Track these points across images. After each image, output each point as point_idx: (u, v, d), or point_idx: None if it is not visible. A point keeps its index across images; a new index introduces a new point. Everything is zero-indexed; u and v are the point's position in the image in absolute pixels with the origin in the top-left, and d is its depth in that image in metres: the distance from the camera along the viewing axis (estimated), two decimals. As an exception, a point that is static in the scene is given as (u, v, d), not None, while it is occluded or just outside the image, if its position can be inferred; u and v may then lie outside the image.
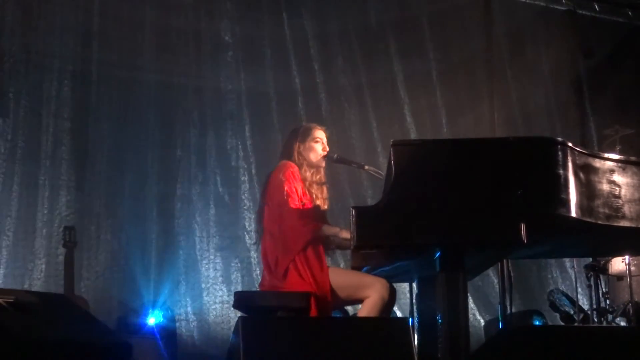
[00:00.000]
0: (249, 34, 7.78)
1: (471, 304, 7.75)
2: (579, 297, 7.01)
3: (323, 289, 4.31)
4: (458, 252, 3.52)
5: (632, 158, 3.96)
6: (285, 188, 4.45)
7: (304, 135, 4.71)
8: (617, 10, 9.15)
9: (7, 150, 6.66)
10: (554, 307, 7.31)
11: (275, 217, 4.48)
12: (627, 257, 6.41)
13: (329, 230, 4.50)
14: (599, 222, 3.68)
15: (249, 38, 7.78)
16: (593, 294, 6.78)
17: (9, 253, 6.46)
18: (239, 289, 7.01)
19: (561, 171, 3.54)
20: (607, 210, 3.72)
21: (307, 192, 4.58)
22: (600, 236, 4.02)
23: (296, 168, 4.60)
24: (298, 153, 4.66)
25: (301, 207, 4.45)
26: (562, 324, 7.13)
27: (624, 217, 3.77)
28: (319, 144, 4.70)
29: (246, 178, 7.41)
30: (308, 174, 4.64)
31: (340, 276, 4.42)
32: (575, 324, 6.80)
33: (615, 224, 3.75)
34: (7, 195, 6.57)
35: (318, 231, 4.42)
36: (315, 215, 4.52)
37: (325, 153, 4.71)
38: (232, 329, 4.10)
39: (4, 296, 3.43)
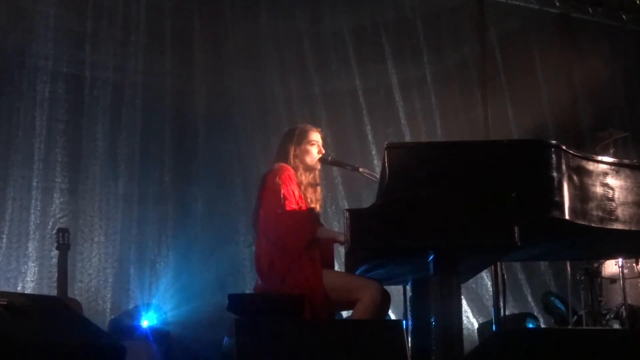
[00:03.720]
0: (243, 37, 7.78)
1: (465, 306, 7.75)
2: (573, 299, 7.02)
3: (317, 292, 4.30)
4: (452, 254, 3.51)
5: (626, 161, 3.97)
6: (282, 191, 4.42)
7: (300, 137, 4.67)
8: (611, 14, 9.18)
9: (0, 153, 6.65)
10: (548, 309, 7.32)
11: (271, 221, 4.45)
12: (620, 259, 6.41)
13: (326, 233, 4.49)
14: (593, 224, 3.68)
15: (243, 41, 7.78)
16: (586, 296, 6.79)
17: (3, 255, 6.46)
18: (233, 291, 7.00)
19: (555, 174, 3.54)
20: (600, 213, 3.72)
21: (302, 195, 4.57)
22: (593, 239, 4.02)
23: (292, 171, 4.56)
24: (294, 156, 4.62)
25: (298, 211, 4.43)
26: (556, 326, 7.14)
27: (617, 219, 3.77)
28: (314, 147, 4.68)
29: (240, 181, 7.41)
30: (304, 178, 4.61)
31: (333, 278, 4.40)
32: (569, 327, 6.80)
33: (609, 227, 3.75)
34: (1, 198, 6.56)
35: (315, 234, 4.41)
36: (311, 218, 4.51)
37: (321, 155, 4.70)
38: (226, 331, 4.08)
39: (-3, 299, 3.42)
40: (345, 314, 6.25)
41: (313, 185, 4.66)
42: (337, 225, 7.20)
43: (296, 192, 4.49)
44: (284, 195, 4.41)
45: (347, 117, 8.05)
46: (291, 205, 4.41)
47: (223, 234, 7.30)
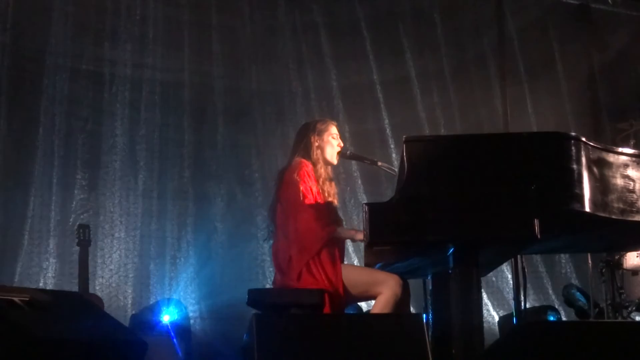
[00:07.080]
0: (261, 31, 7.79)
1: (485, 299, 7.73)
2: (594, 292, 6.97)
3: (336, 287, 4.31)
4: (471, 248, 3.51)
5: (646, 152, 3.94)
6: (301, 188, 4.41)
7: (321, 130, 4.68)
8: (631, 4, 9.09)
9: (21, 150, 6.69)
10: (569, 302, 7.28)
11: (290, 218, 4.45)
12: (642, 251, 6.37)
13: (344, 233, 4.49)
14: (613, 216, 3.66)
15: (261, 35, 7.78)
16: (608, 289, 6.75)
17: (24, 252, 6.50)
18: (253, 286, 7.01)
19: (575, 166, 3.53)
20: (621, 205, 3.70)
21: (320, 190, 4.56)
22: (614, 231, 4.00)
23: (310, 166, 4.56)
24: (317, 147, 4.63)
25: (317, 208, 4.42)
26: (577, 319, 7.10)
27: (638, 211, 3.75)
28: (335, 140, 4.70)
29: (259, 175, 7.42)
30: (323, 170, 4.61)
31: (353, 273, 4.41)
32: (590, 319, 6.77)
33: (630, 219, 3.73)
34: (22, 195, 6.60)
35: (334, 233, 4.41)
36: (329, 215, 4.50)
37: (340, 149, 4.70)
38: (246, 326, 4.10)
39: (20, 295, 3.45)
40: (364, 305, 6.26)
41: (329, 179, 4.66)
42: (355, 220, 7.20)
43: (314, 189, 4.49)
44: (302, 192, 4.41)
45: (365, 111, 8.03)
46: (310, 202, 4.40)
47: (242, 229, 7.31)
